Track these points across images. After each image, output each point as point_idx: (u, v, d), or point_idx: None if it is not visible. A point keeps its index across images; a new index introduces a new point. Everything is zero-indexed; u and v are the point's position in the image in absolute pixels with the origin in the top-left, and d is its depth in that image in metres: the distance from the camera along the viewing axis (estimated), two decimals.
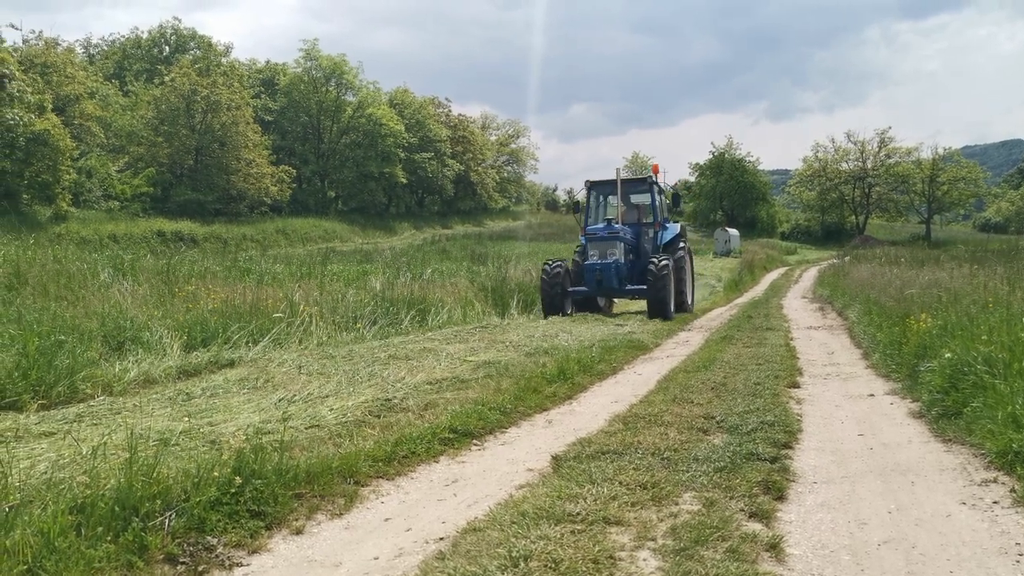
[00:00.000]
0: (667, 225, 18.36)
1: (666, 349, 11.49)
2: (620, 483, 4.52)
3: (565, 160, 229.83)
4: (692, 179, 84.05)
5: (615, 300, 18.95)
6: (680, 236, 18.19)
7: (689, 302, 18.29)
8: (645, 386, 8.13)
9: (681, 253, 17.36)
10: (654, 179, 18.24)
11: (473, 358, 8.97)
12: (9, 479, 3.75)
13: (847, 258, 33.12)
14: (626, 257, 16.88)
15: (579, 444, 5.52)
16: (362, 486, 4.60)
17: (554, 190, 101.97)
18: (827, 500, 4.46)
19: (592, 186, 18.81)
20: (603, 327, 13.20)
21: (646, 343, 11.66)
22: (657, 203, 18.14)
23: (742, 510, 4.15)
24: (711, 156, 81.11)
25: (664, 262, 15.70)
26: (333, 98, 64.22)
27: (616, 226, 16.74)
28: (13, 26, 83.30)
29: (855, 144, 77.55)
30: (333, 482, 4.48)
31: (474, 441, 5.78)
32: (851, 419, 6.61)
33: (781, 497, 4.44)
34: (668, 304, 15.41)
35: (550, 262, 16.74)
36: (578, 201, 19.71)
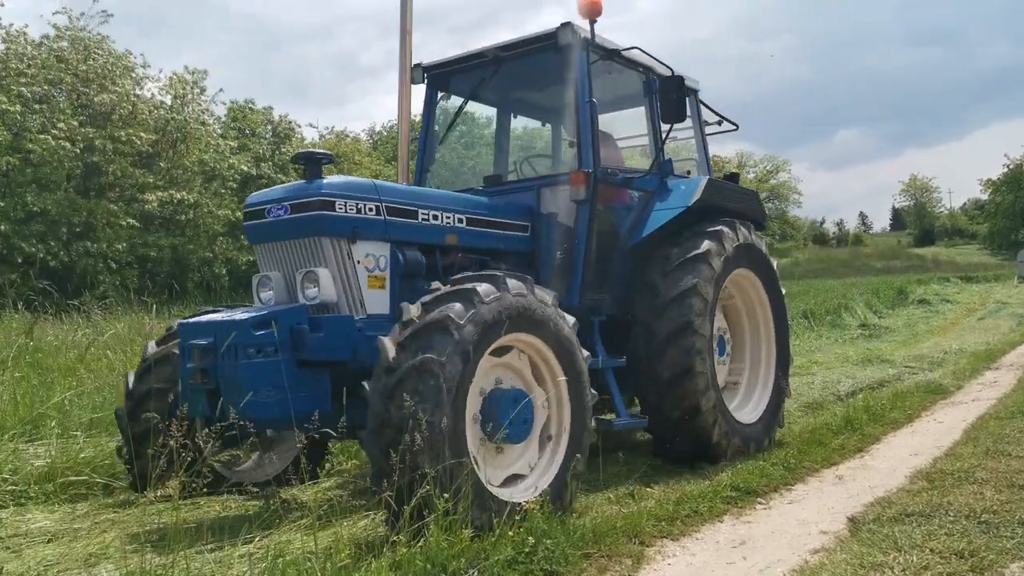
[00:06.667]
0: (658, 179, 6.67)
1: (970, 392, 10.31)
2: (931, 551, 4.12)
3: (833, 190, 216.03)
4: (985, 197, 75.45)
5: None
6: (717, 223, 6.44)
7: (753, 420, 6.73)
8: (949, 436, 7.35)
9: (696, 279, 5.99)
10: (579, 33, 6.17)
11: None
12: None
13: None
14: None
15: (877, 504, 5.11)
16: (647, 546, 4.61)
17: (821, 223, 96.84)
18: None
19: (431, 72, 7.32)
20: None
21: (946, 386, 10.57)
22: (585, 118, 6.16)
23: None
24: (1006, 170, 72.30)
25: (442, 312, 4.20)
26: None
27: (348, 179, 5.34)
28: (311, 125, 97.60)
29: None
30: (619, 542, 4.54)
31: (759, 499, 5.57)
32: None
33: None
34: (416, 477, 3.95)
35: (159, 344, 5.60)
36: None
